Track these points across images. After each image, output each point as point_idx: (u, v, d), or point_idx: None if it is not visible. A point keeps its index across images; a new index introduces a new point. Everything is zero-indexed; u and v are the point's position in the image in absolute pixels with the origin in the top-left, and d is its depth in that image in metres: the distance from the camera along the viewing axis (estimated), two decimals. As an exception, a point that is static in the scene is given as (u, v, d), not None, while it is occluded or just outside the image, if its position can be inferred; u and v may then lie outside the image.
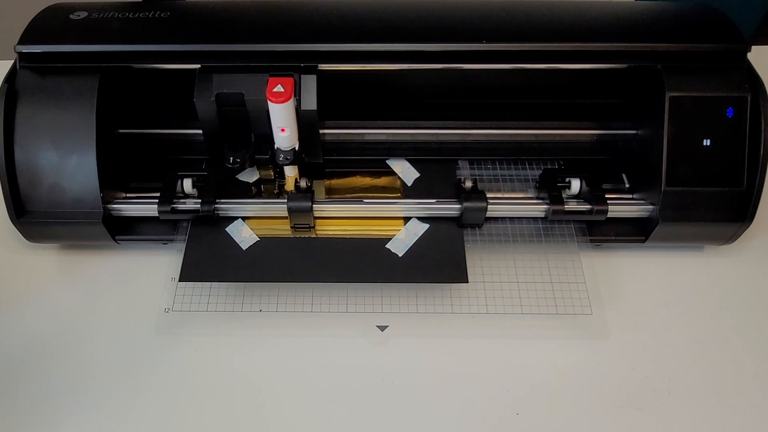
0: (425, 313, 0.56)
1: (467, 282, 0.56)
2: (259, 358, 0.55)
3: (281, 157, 0.57)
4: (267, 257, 0.57)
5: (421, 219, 0.60)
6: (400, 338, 0.56)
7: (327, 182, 0.63)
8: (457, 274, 0.56)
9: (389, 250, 0.58)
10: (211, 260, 0.57)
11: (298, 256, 0.57)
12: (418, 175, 0.62)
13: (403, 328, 0.57)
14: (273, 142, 0.57)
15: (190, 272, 0.56)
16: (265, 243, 0.58)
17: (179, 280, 0.56)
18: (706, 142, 0.55)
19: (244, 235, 0.59)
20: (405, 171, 0.63)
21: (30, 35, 0.57)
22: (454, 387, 0.53)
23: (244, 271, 0.56)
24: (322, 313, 0.57)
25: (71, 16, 0.58)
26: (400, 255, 0.57)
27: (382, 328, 0.57)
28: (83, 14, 0.59)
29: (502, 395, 0.52)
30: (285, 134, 0.56)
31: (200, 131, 0.59)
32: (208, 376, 0.54)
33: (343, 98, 0.62)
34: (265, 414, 0.52)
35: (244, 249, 0.58)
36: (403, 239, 0.58)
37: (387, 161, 0.63)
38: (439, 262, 0.57)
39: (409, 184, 0.62)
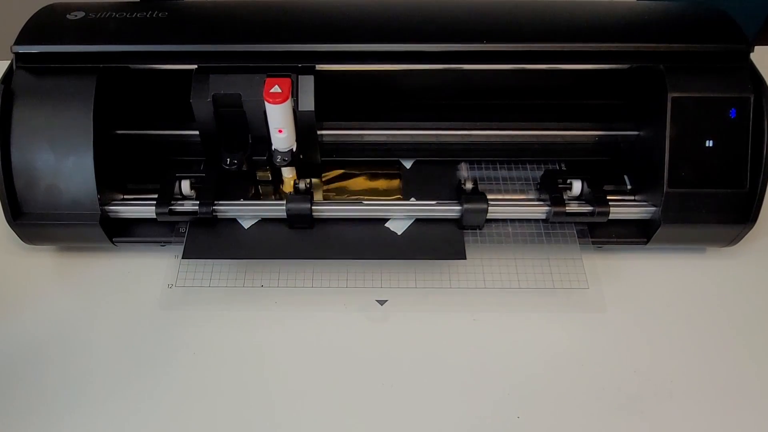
0: (423, 288, 0.58)
1: (465, 258, 0.56)
2: (262, 333, 0.56)
3: (278, 159, 0.56)
4: (269, 236, 0.58)
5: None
6: (399, 312, 0.57)
7: (327, 183, 0.63)
8: (456, 251, 0.57)
9: (388, 228, 0.58)
10: (213, 239, 0.58)
11: (298, 235, 0.58)
12: (416, 158, 0.63)
13: (402, 304, 0.58)
14: (270, 144, 0.57)
15: (193, 250, 0.57)
16: (266, 222, 0.59)
17: (182, 258, 0.57)
18: (709, 143, 0.55)
19: None
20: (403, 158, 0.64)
21: (27, 35, 0.56)
22: (451, 372, 0.54)
23: (246, 249, 0.57)
24: (322, 289, 0.58)
25: (68, 16, 0.58)
26: (399, 233, 0.58)
27: (382, 302, 0.58)
28: (80, 14, 0.58)
29: (501, 398, 0.52)
30: (282, 135, 0.56)
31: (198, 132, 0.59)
32: (209, 358, 0.54)
33: (341, 99, 0.62)
34: (270, 388, 0.53)
35: (246, 228, 0.58)
36: (402, 218, 0.59)
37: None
38: (437, 239, 0.57)
39: (408, 167, 0.62)
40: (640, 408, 0.51)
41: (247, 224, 0.59)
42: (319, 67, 0.56)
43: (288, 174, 0.60)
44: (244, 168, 0.58)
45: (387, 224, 0.58)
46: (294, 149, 0.57)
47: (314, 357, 0.54)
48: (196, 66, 0.56)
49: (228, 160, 0.57)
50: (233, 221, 0.59)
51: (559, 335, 0.56)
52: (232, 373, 0.54)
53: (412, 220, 0.59)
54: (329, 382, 0.53)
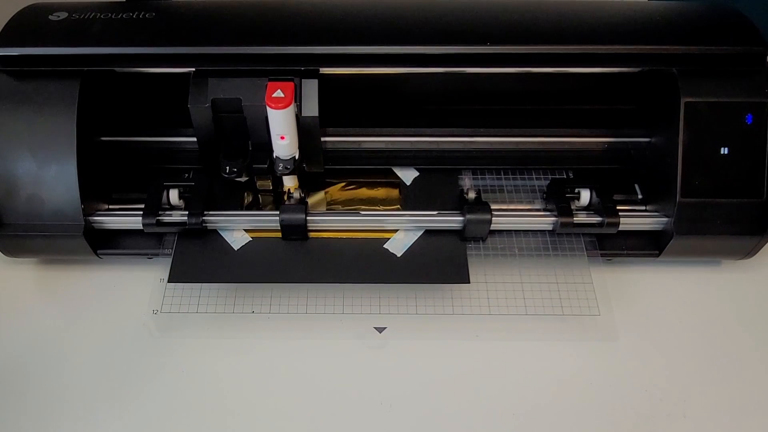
0: (425, 314, 0.56)
1: (468, 282, 0.55)
2: (252, 361, 0.54)
3: (280, 167, 0.55)
4: (260, 258, 0.56)
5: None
6: (398, 340, 0.55)
7: (323, 193, 0.62)
8: (459, 274, 0.55)
9: (387, 250, 0.57)
10: (201, 261, 0.56)
11: (292, 257, 0.56)
12: (417, 174, 0.61)
13: (401, 330, 0.56)
14: (271, 151, 0.56)
15: (179, 273, 0.55)
16: (257, 243, 0.57)
17: (168, 281, 0.55)
18: (724, 151, 0.54)
19: (235, 235, 0.57)
20: (403, 170, 0.62)
21: (7, 37, 0.55)
22: (455, 401, 0.52)
23: (236, 271, 0.56)
24: (317, 315, 0.56)
25: (51, 17, 0.57)
26: (398, 255, 0.56)
27: (380, 329, 0.56)
28: (63, 15, 0.57)
29: (507, 426, 0.50)
30: (284, 142, 0.54)
31: (187, 139, 0.58)
32: (197, 385, 0.53)
33: (343, 104, 0.60)
34: (262, 418, 0.51)
35: (236, 249, 0.57)
36: (401, 239, 0.57)
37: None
38: (439, 262, 0.56)
39: (408, 183, 0.61)
40: (652, 429, 0.50)
41: (237, 245, 0.57)
42: (323, 70, 0.55)
43: (290, 183, 0.58)
44: (244, 177, 0.57)
45: (386, 245, 0.57)
46: (296, 157, 0.56)
47: (309, 387, 0.53)
48: (192, 69, 0.55)
49: (227, 168, 0.56)
50: (223, 240, 0.57)
51: (566, 353, 0.55)
52: (222, 394, 0.52)
53: (412, 241, 0.57)
54: (325, 413, 0.51)
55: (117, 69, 0.56)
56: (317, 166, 0.59)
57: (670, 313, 0.57)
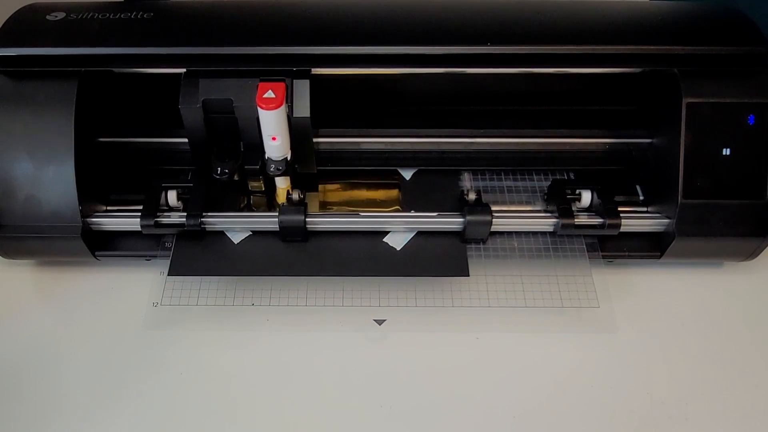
0: (424, 306, 0.56)
1: (468, 276, 0.55)
2: (253, 354, 0.54)
3: (272, 168, 0.55)
4: (260, 251, 0.56)
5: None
6: (398, 332, 0.56)
7: (322, 194, 0.62)
8: (458, 267, 0.55)
9: (387, 243, 0.57)
10: (201, 254, 0.56)
11: (291, 250, 0.56)
12: (416, 168, 0.61)
13: (401, 323, 0.56)
14: (263, 152, 0.55)
15: (179, 266, 0.55)
16: (257, 236, 0.57)
17: (168, 275, 0.55)
18: (726, 152, 0.54)
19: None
20: (403, 171, 0.62)
21: (4, 37, 0.55)
22: (454, 395, 0.52)
23: (236, 265, 0.56)
24: (317, 308, 0.56)
25: (48, 17, 0.56)
26: (398, 249, 0.56)
27: (380, 322, 0.56)
28: (61, 15, 0.57)
29: (507, 422, 0.50)
30: (276, 143, 0.54)
31: (186, 140, 0.57)
32: (196, 383, 0.53)
33: (337, 105, 0.60)
34: (262, 412, 0.51)
35: (236, 243, 0.57)
36: (401, 231, 0.58)
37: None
38: (438, 255, 0.56)
39: (407, 178, 0.61)
40: (654, 432, 0.50)
41: (237, 239, 0.57)
42: (315, 71, 0.55)
43: (282, 184, 0.58)
44: (236, 178, 0.57)
45: (385, 239, 0.57)
46: (288, 158, 0.55)
47: (308, 379, 0.53)
48: (184, 70, 0.55)
49: (219, 169, 0.56)
50: (222, 235, 0.57)
51: (567, 356, 0.54)
52: (221, 396, 0.52)
53: (412, 235, 0.57)
54: (324, 405, 0.51)
55: (115, 69, 0.56)
56: (309, 167, 0.59)
57: (671, 315, 0.57)
